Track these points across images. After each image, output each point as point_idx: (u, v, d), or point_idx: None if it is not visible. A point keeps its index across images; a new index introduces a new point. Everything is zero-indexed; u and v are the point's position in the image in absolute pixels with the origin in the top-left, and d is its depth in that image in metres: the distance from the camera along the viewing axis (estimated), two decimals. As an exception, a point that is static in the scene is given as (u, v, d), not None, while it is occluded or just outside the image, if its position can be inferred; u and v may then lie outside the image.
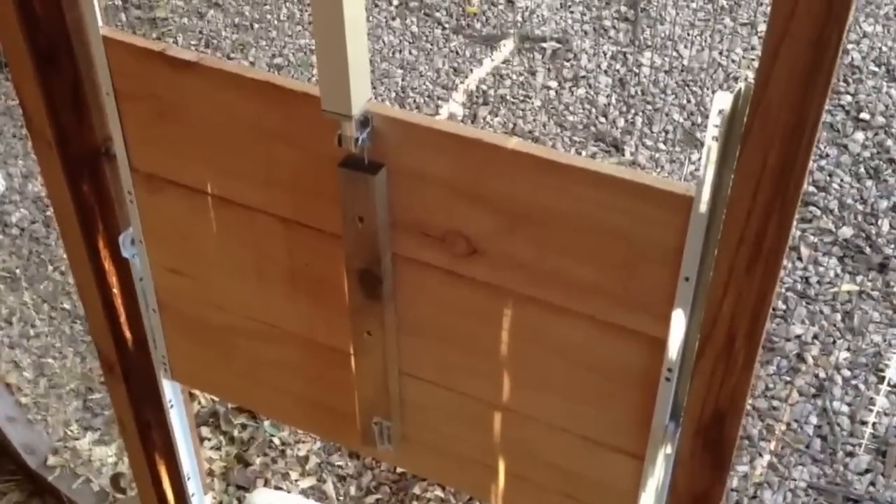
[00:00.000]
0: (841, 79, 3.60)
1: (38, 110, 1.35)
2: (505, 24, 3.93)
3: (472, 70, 3.72)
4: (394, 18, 3.97)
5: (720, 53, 3.75)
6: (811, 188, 3.20)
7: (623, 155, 3.37)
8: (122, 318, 1.56)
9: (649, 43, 3.80)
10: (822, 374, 2.69)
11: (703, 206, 1.01)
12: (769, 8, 0.85)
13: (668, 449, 1.18)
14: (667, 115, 3.50)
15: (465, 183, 1.14)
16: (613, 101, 3.56)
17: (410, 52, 3.81)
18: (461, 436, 1.36)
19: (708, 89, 3.59)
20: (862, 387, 2.65)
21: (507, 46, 3.82)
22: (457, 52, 3.81)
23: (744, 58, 3.72)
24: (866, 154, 3.33)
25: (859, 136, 3.39)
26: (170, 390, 1.62)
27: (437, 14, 3.98)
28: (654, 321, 1.11)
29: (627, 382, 1.18)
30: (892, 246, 3.02)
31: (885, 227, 3.07)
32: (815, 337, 2.78)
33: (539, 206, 1.11)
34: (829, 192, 3.20)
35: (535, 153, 1.09)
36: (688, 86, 3.62)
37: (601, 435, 1.24)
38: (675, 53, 3.74)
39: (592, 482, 1.29)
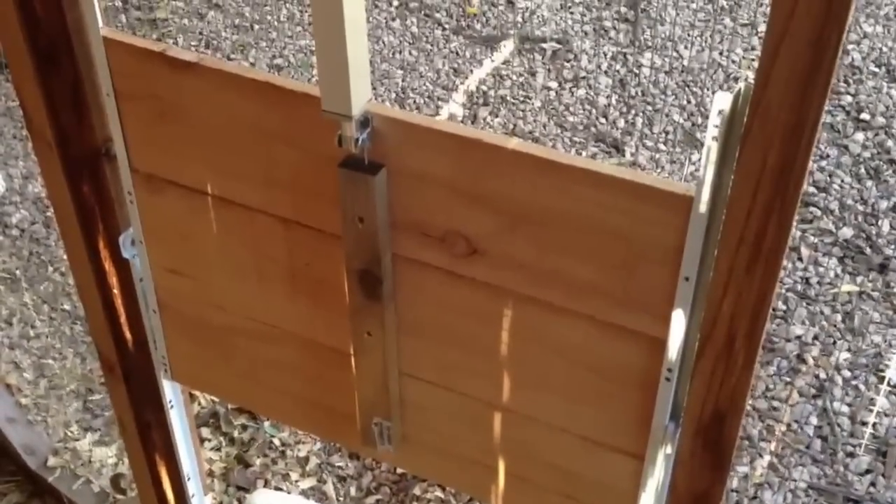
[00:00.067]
0: (841, 79, 3.60)
1: (39, 111, 1.35)
2: (505, 25, 3.93)
3: (472, 71, 3.72)
4: (394, 19, 3.97)
5: (720, 54, 3.75)
6: (811, 189, 3.20)
7: (623, 156, 3.37)
8: (123, 319, 1.56)
9: (649, 43, 3.80)
10: (822, 375, 2.69)
11: (703, 207, 1.01)
12: (769, 8, 0.85)
13: (668, 449, 1.18)
14: (667, 115, 3.50)
15: (465, 183, 1.14)
16: (614, 101, 3.56)
17: (410, 53, 3.82)
18: (461, 436, 1.36)
19: (708, 90, 3.59)
20: (862, 387, 2.65)
21: (508, 47, 3.82)
22: (457, 53, 3.81)
23: (744, 58, 3.72)
24: (867, 154, 3.33)
25: (860, 136, 3.39)
26: (170, 391, 1.62)
27: (438, 15, 3.98)
28: (654, 321, 1.11)
29: (627, 382, 1.18)
30: (893, 246, 3.02)
31: (886, 228, 3.07)
32: (816, 337, 2.78)
33: (539, 206, 1.11)
34: (830, 192, 3.20)
35: (535, 153, 1.09)
36: (688, 86, 3.62)
37: (601, 435, 1.24)
38: (675, 54, 3.74)
39: (592, 482, 1.29)
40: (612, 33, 3.85)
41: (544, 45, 3.80)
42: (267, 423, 2.61)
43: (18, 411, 2.60)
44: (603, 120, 3.50)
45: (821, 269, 2.96)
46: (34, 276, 3.04)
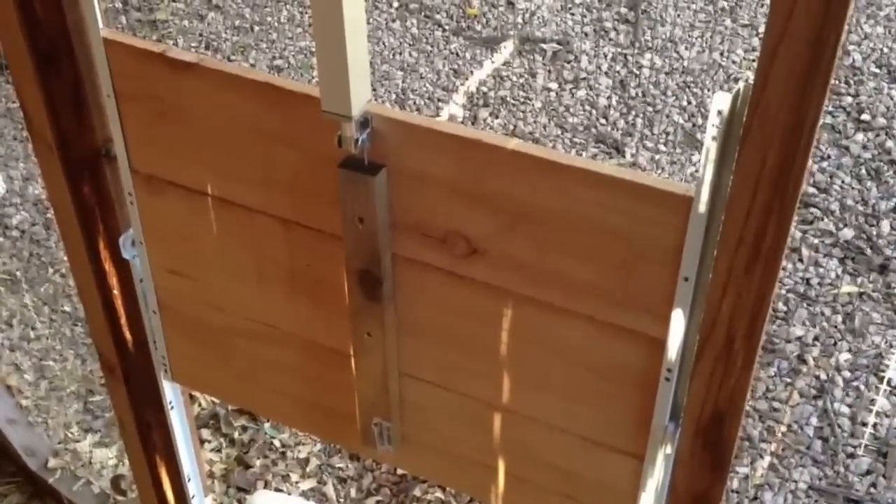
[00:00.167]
0: (842, 80, 3.60)
1: (39, 112, 1.36)
2: (505, 26, 3.93)
3: (472, 72, 3.72)
4: (394, 20, 3.97)
5: (721, 55, 3.75)
6: (812, 190, 3.20)
7: (623, 157, 3.37)
8: (123, 320, 1.56)
9: (650, 44, 3.80)
10: (822, 376, 2.69)
11: (703, 207, 1.01)
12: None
13: (668, 449, 1.18)
14: (667, 116, 3.51)
15: (465, 184, 1.14)
16: (614, 102, 3.56)
17: (411, 54, 3.82)
18: (461, 436, 1.36)
19: (708, 91, 3.59)
20: (863, 388, 2.65)
21: (508, 48, 3.82)
22: (457, 54, 3.81)
23: (744, 59, 3.72)
24: (867, 155, 3.33)
25: (860, 137, 3.39)
26: (170, 391, 1.62)
27: (438, 16, 3.99)
28: (654, 321, 1.11)
29: (627, 383, 1.18)
30: (893, 247, 3.02)
31: (886, 229, 3.07)
32: (816, 338, 2.78)
33: (539, 206, 1.11)
34: (830, 193, 3.20)
35: (535, 154, 1.09)
36: (688, 87, 3.62)
37: (601, 435, 1.24)
38: (675, 55, 3.75)
39: (592, 482, 1.29)
40: (613, 34, 3.85)
41: (544, 46, 3.81)
42: (267, 425, 2.61)
43: (19, 412, 2.60)
44: (603, 121, 3.51)
45: (821, 270, 2.96)
46: (34, 278, 3.04)
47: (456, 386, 1.32)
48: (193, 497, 1.76)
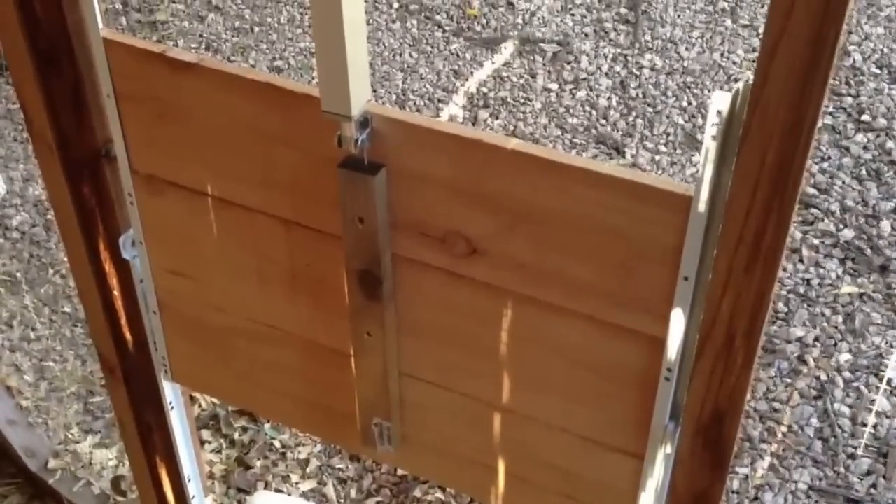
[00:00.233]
0: (843, 81, 3.60)
1: (39, 112, 1.36)
2: (505, 27, 3.93)
3: (472, 73, 3.73)
4: (394, 21, 3.97)
5: (721, 55, 3.75)
6: (813, 190, 3.20)
7: (624, 157, 3.37)
8: (123, 320, 1.56)
9: (650, 45, 3.80)
10: (823, 377, 2.69)
11: (702, 206, 1.01)
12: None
13: (668, 449, 1.18)
14: (667, 117, 3.51)
15: (464, 183, 1.14)
16: (614, 103, 3.56)
17: (411, 55, 3.82)
18: (461, 436, 1.36)
19: (709, 91, 3.59)
20: (863, 389, 2.65)
21: (508, 49, 3.82)
22: (457, 55, 3.81)
23: (745, 60, 3.72)
24: (868, 156, 3.33)
25: (861, 138, 3.39)
26: (170, 392, 1.62)
27: (438, 17, 3.99)
28: (654, 321, 1.11)
29: (627, 382, 1.18)
30: (894, 248, 3.02)
31: (887, 230, 3.07)
32: (817, 339, 2.78)
33: (539, 206, 1.11)
34: (831, 194, 3.20)
35: (535, 153, 1.09)
36: (689, 88, 3.62)
37: (601, 435, 1.24)
38: (675, 56, 3.75)
39: (592, 482, 1.29)
40: (613, 35, 3.85)
41: (545, 47, 3.81)
42: (267, 426, 2.61)
43: (19, 413, 2.60)
44: (603, 121, 3.51)
45: (822, 271, 2.96)
46: (35, 279, 3.04)
47: (456, 386, 1.32)
48: (193, 498, 1.76)
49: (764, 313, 1.01)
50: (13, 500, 2.50)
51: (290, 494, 2.45)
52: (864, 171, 3.27)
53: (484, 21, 3.97)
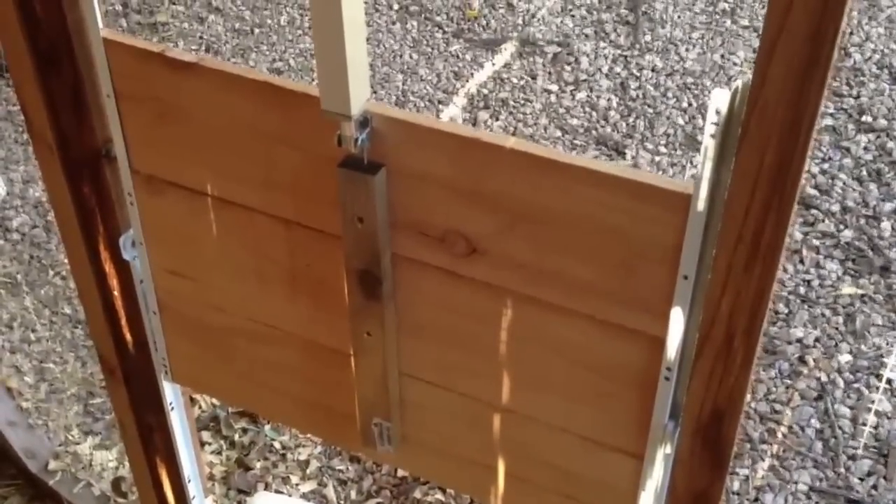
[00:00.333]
0: (843, 82, 3.60)
1: (39, 112, 1.36)
2: (505, 28, 3.93)
3: (472, 74, 3.73)
4: (394, 23, 3.97)
5: (721, 56, 3.75)
6: (813, 191, 3.20)
7: (624, 158, 3.37)
8: (123, 321, 1.56)
9: (650, 46, 3.80)
10: (823, 378, 2.69)
11: (702, 204, 1.01)
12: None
13: (668, 448, 1.18)
14: (668, 118, 3.51)
15: (464, 183, 1.14)
16: (614, 104, 3.56)
17: (411, 57, 3.82)
18: (461, 436, 1.36)
19: (709, 92, 3.59)
20: (863, 390, 2.65)
21: (508, 50, 3.82)
22: (457, 56, 3.82)
23: (745, 60, 3.72)
24: (868, 157, 3.33)
25: (861, 138, 3.39)
26: (170, 393, 1.62)
27: (438, 18, 3.99)
28: (654, 320, 1.11)
29: (627, 382, 1.18)
30: (894, 249, 3.02)
31: (888, 231, 3.07)
32: (817, 340, 2.78)
33: (538, 205, 1.11)
34: (832, 195, 3.20)
35: (534, 152, 1.09)
36: (689, 89, 3.62)
37: (600, 435, 1.24)
38: (676, 57, 3.75)
39: (592, 482, 1.29)
40: (613, 36, 3.85)
41: (545, 48, 3.81)
42: (267, 427, 2.61)
43: (19, 415, 2.60)
44: (604, 123, 3.51)
45: (822, 272, 2.96)
46: (35, 281, 3.04)
47: (456, 386, 1.32)
48: (194, 499, 1.76)
49: (763, 312, 1.01)
50: (13, 502, 2.50)
51: (290, 496, 2.45)
52: (864, 172, 3.27)
53: (484, 22, 3.97)
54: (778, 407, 2.63)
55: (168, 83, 1.27)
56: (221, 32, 3.97)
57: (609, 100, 3.58)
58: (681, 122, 3.49)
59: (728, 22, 3.91)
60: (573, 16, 3.96)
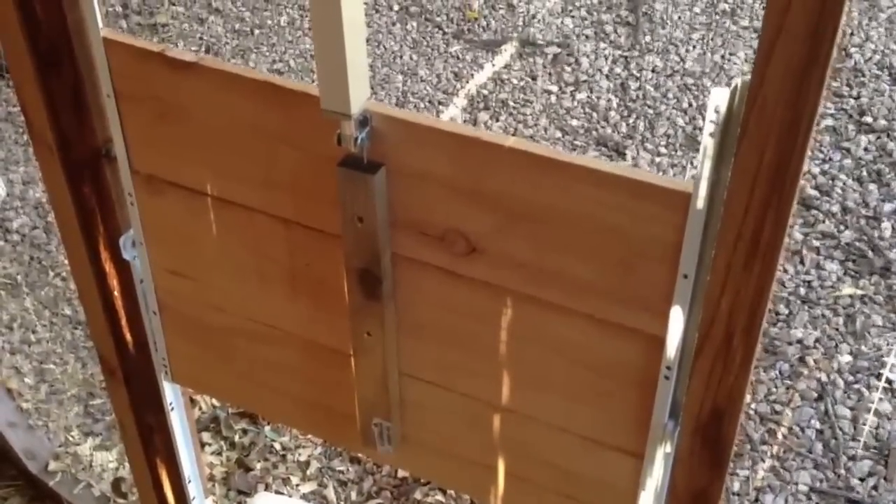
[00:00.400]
0: (844, 82, 3.60)
1: (39, 113, 1.36)
2: (506, 29, 3.93)
3: (472, 75, 3.73)
4: (394, 24, 3.97)
5: (721, 57, 3.75)
6: (814, 192, 3.20)
7: (624, 159, 3.37)
8: (123, 321, 1.56)
9: (650, 47, 3.80)
10: (823, 378, 2.69)
11: (701, 203, 1.01)
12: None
13: (668, 447, 1.18)
14: (668, 119, 3.51)
15: (464, 182, 1.14)
16: (614, 105, 3.57)
17: (411, 57, 3.82)
18: (461, 436, 1.36)
19: (709, 93, 3.59)
20: (864, 390, 2.65)
21: (508, 51, 3.82)
22: (457, 57, 3.82)
23: (746, 61, 3.72)
24: (869, 157, 3.33)
25: (862, 139, 3.39)
26: (170, 393, 1.62)
27: (438, 19, 3.99)
28: (653, 319, 1.11)
29: (626, 381, 1.18)
30: (895, 250, 3.02)
31: (888, 231, 3.07)
32: (817, 341, 2.78)
33: (538, 204, 1.11)
34: (832, 195, 3.20)
35: (534, 151, 1.09)
36: (689, 89, 3.62)
37: (600, 434, 1.24)
38: (676, 57, 3.75)
39: (592, 481, 1.29)
40: (613, 36, 3.85)
41: (545, 49, 3.81)
42: (268, 428, 2.61)
43: (19, 416, 2.60)
44: (604, 123, 3.51)
45: (823, 273, 2.96)
46: (35, 282, 3.04)
47: (456, 386, 1.32)
48: (194, 499, 1.76)
49: (762, 311, 1.01)
50: (13, 503, 2.50)
51: (290, 496, 2.45)
52: (864, 173, 3.27)
53: (484, 23, 3.98)
54: (778, 408, 2.63)
55: (168, 83, 1.27)
56: (221, 33, 3.97)
57: (609, 100, 3.58)
58: (681, 122, 3.49)
59: (728, 22, 3.91)
60: (573, 16, 3.96)
